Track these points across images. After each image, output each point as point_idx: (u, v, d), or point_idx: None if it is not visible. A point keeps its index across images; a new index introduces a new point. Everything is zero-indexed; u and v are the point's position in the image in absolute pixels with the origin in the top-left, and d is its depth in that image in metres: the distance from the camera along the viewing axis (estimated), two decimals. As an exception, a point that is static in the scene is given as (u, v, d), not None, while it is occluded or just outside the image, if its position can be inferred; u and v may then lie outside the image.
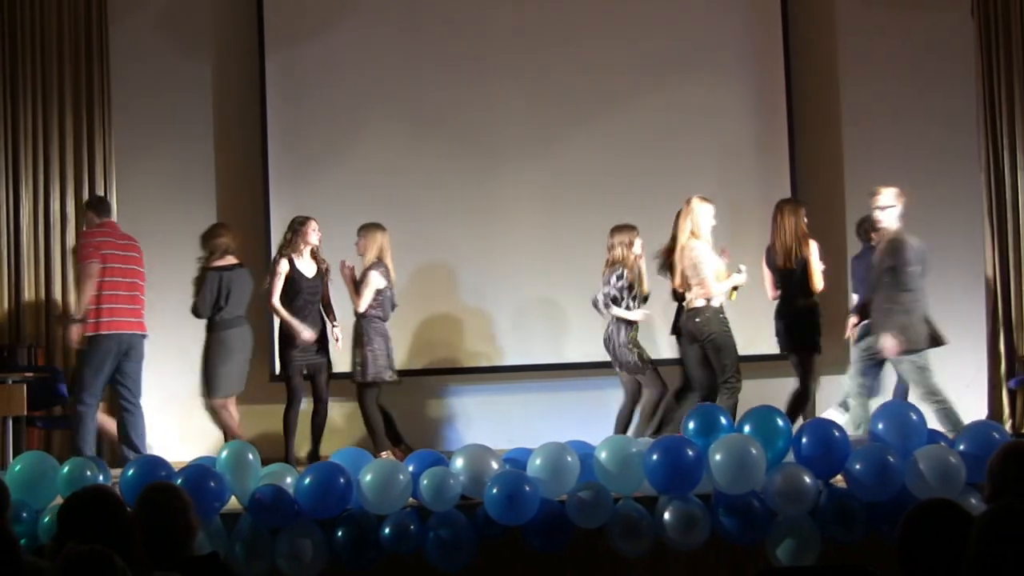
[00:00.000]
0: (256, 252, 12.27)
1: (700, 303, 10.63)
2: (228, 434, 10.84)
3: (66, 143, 12.39)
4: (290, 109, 12.81)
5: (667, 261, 10.94)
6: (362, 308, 11.00)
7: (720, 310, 10.72)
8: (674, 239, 10.82)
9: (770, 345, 11.43)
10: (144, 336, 10.80)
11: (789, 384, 11.06)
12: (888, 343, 9.84)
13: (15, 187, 12.32)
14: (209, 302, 10.89)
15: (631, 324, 10.89)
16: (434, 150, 12.76)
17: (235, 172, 12.76)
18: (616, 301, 10.83)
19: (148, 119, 12.72)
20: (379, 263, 11.12)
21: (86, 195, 12.33)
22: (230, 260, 11.04)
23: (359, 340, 11.01)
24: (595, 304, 11.04)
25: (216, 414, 10.92)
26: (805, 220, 10.94)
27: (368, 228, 11.27)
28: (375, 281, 11.02)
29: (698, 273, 10.57)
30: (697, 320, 10.65)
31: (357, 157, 12.78)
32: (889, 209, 10.18)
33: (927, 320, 9.97)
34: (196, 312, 10.93)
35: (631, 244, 11.00)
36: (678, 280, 10.75)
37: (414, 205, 12.68)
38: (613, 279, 10.87)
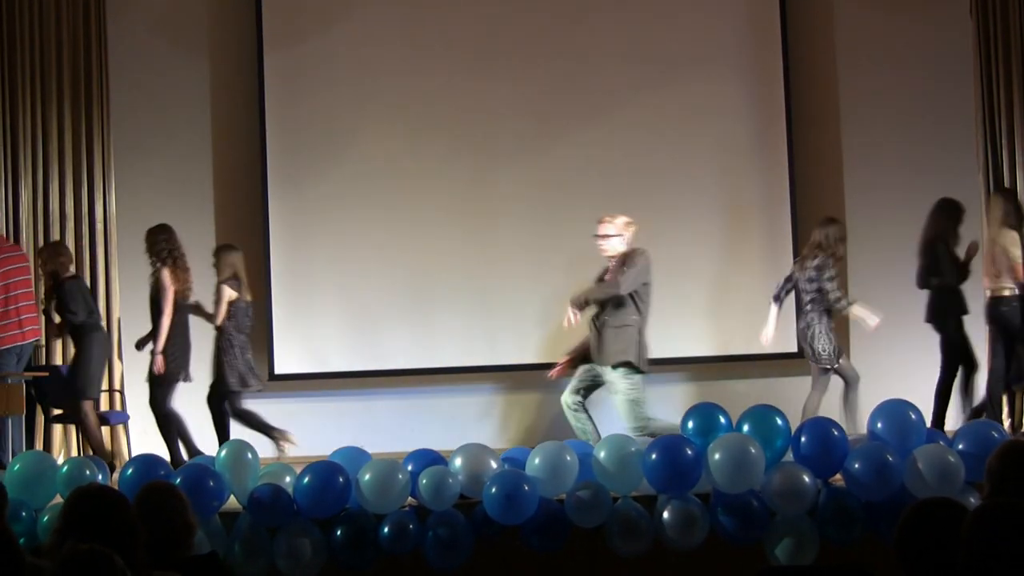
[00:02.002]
0: (255, 251, 12.27)
1: (1008, 291, 10.74)
2: (95, 439, 10.95)
3: (65, 142, 12.38)
4: (288, 108, 12.75)
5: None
6: (218, 321, 11.11)
7: None
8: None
9: (770, 344, 11.42)
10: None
11: (794, 383, 11.08)
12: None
13: (14, 186, 12.31)
14: (84, 307, 11.06)
15: (830, 315, 10.87)
16: (433, 149, 12.72)
17: (233, 171, 12.73)
18: (823, 293, 10.80)
19: (147, 118, 12.68)
20: (233, 279, 11.22)
21: (85, 194, 12.38)
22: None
23: (217, 352, 11.14)
24: (802, 295, 11.06)
25: (88, 418, 10.95)
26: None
27: (222, 250, 11.41)
28: (227, 294, 11.13)
29: (1011, 259, 10.64)
30: (1004, 309, 10.77)
31: (356, 156, 12.73)
32: (613, 239, 10.17)
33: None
34: (76, 319, 11.03)
35: (843, 238, 11.01)
36: (989, 268, 10.87)
37: (413, 204, 12.66)
38: (825, 275, 10.84)
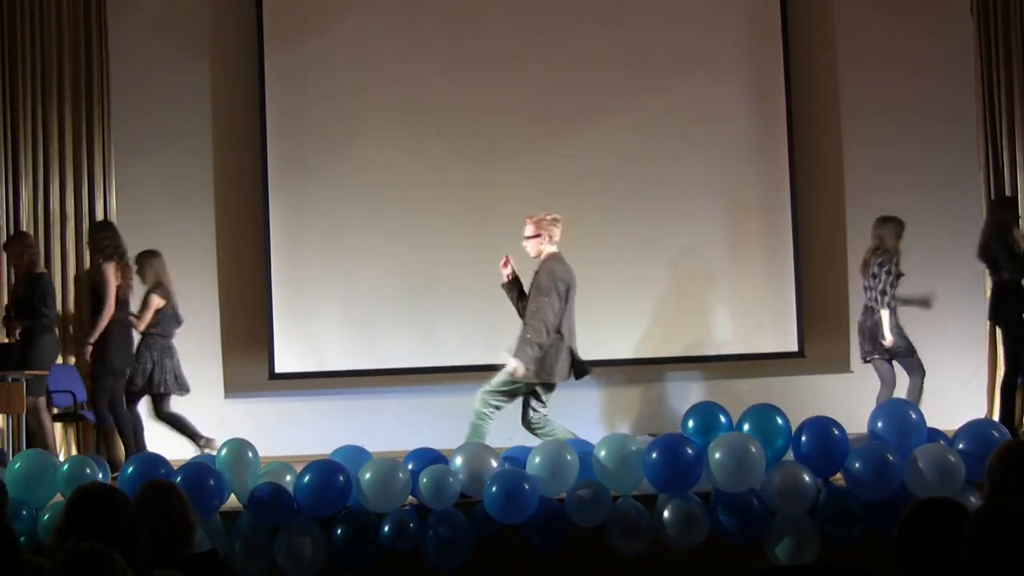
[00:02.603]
0: (255, 250, 12.29)
1: None
2: (45, 435, 10.98)
3: (65, 142, 12.38)
4: (289, 109, 12.77)
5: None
6: (141, 327, 11.21)
7: None
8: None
9: (770, 343, 11.43)
10: None
11: (794, 383, 11.10)
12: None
13: (15, 185, 12.30)
14: (54, 307, 11.22)
15: (896, 311, 11.04)
16: (433, 149, 12.75)
17: (234, 171, 12.72)
18: (885, 293, 10.93)
19: (147, 118, 12.67)
20: (159, 286, 11.29)
21: (85, 194, 12.39)
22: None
23: (138, 356, 11.18)
24: (872, 301, 11.11)
25: (39, 414, 10.99)
26: None
27: (144, 257, 11.41)
28: (155, 302, 11.23)
29: None
30: None
31: (356, 156, 12.75)
32: (532, 239, 9.92)
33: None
34: (47, 318, 11.10)
35: (899, 236, 11.14)
36: None
37: (413, 204, 12.68)
38: (884, 273, 10.98)
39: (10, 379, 10.54)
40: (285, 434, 11.12)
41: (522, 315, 9.84)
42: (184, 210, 12.52)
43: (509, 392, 9.76)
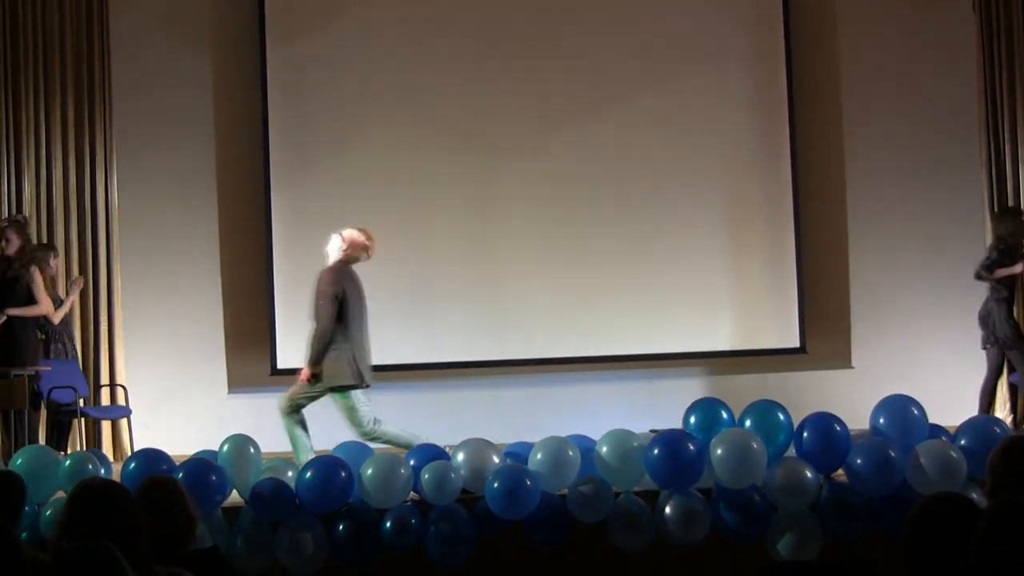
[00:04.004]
0: (257, 246, 12.30)
1: None
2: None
3: (68, 136, 12.41)
4: (291, 104, 12.78)
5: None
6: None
7: None
8: None
9: (772, 340, 11.43)
10: None
11: (796, 379, 11.10)
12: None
13: (17, 182, 12.32)
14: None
15: (1011, 301, 11.15)
16: (435, 145, 12.76)
17: (236, 166, 12.72)
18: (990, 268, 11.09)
19: (149, 114, 12.64)
20: None
21: (88, 189, 12.39)
22: None
23: None
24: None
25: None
26: None
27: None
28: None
29: None
30: None
31: (358, 151, 12.76)
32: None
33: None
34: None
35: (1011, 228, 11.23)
36: None
37: (416, 199, 12.71)
38: (993, 251, 11.18)
39: (12, 375, 10.51)
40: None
41: None
42: (186, 206, 12.52)
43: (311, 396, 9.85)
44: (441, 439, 8.82)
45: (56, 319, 11.31)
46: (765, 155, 12.86)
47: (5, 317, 10.62)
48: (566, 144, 12.75)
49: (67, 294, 11.66)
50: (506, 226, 12.63)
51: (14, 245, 10.87)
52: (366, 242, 9.98)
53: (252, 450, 8.25)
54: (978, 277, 11.06)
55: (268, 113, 12.74)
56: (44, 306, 10.92)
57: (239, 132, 12.85)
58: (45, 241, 12.07)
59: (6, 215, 12.05)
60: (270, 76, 12.77)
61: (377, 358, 12.18)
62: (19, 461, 8.26)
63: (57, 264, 11.69)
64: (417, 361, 12.56)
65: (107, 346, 12.27)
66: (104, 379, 12.20)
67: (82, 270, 12.28)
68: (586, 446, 8.16)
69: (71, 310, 11.80)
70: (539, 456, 8.02)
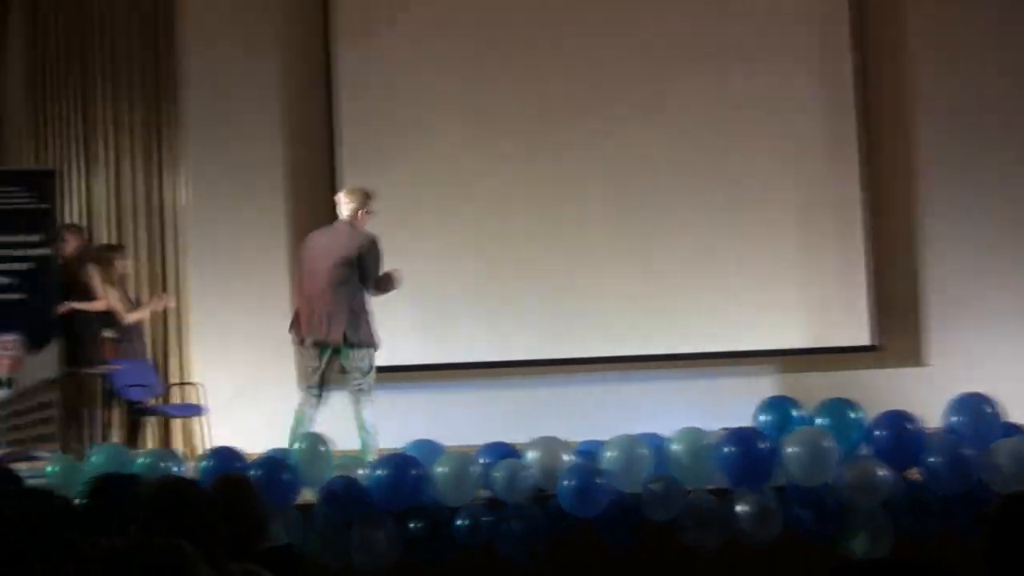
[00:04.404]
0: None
1: None
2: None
3: (136, 137, 12.43)
4: (359, 101, 12.70)
5: None
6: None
7: None
8: None
9: (842, 337, 11.37)
10: None
11: (869, 377, 11.05)
12: None
13: (88, 184, 12.38)
14: None
15: None
16: (505, 138, 12.69)
17: (305, 164, 12.65)
18: None
19: (217, 114, 12.63)
20: None
21: (156, 188, 12.44)
22: None
23: None
24: None
25: None
26: None
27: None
28: None
29: None
30: None
31: (426, 147, 12.68)
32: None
33: None
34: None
35: None
36: None
37: (485, 194, 12.66)
38: None
39: (83, 373, 10.63)
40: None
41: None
42: (255, 205, 12.52)
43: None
44: (511, 437, 8.80)
45: (128, 318, 11.37)
46: (833, 150, 12.73)
47: (67, 308, 10.68)
48: (630, 140, 12.65)
49: (146, 301, 11.78)
50: (574, 225, 12.57)
51: (70, 246, 11.00)
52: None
53: (324, 448, 8.33)
54: None
55: (336, 111, 12.70)
56: (102, 302, 11.01)
57: (308, 130, 12.80)
58: (114, 242, 12.14)
59: (77, 216, 12.19)
60: (338, 74, 12.72)
61: (446, 356, 12.32)
62: (94, 459, 8.37)
63: (126, 264, 11.75)
64: (486, 359, 12.52)
65: (178, 344, 12.30)
66: (176, 377, 12.22)
67: (152, 269, 12.32)
68: (657, 444, 8.15)
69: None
70: (610, 454, 8.03)
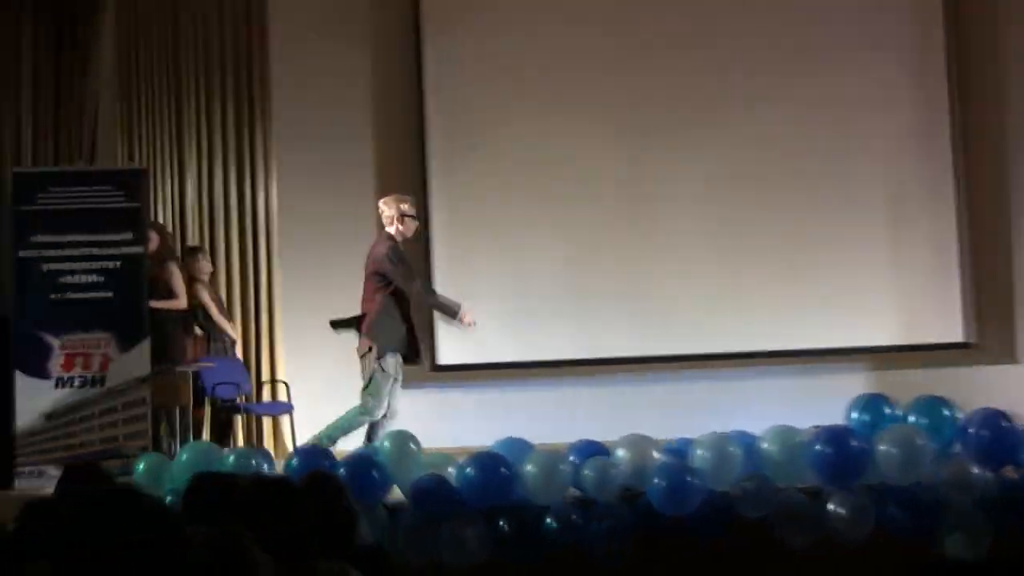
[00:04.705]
0: (415, 242, 12.21)
1: None
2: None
3: (228, 137, 12.50)
4: (448, 97, 12.73)
5: None
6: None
7: None
8: None
9: (935, 334, 11.27)
10: None
11: (956, 374, 10.96)
12: None
13: (180, 184, 12.47)
14: None
15: None
16: (594, 134, 12.62)
17: (394, 162, 12.61)
18: None
19: (308, 110, 12.63)
20: None
21: (248, 188, 12.51)
22: None
23: None
24: None
25: None
26: None
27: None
28: None
29: None
30: None
31: (516, 143, 12.65)
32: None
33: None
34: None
35: None
36: None
37: (575, 191, 12.62)
38: None
39: (173, 371, 10.75)
40: (447, 426, 11.07)
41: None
42: (344, 201, 12.47)
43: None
44: (600, 435, 8.75)
45: (220, 322, 11.51)
46: (925, 145, 12.65)
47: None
48: (723, 137, 12.57)
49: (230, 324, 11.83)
50: (662, 221, 12.52)
51: (154, 243, 11.05)
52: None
53: (413, 446, 8.33)
54: None
55: (425, 107, 12.73)
56: (182, 300, 11.11)
57: (397, 127, 12.82)
58: (204, 242, 12.28)
59: (167, 216, 12.31)
60: (427, 69, 12.75)
61: (537, 353, 12.38)
62: (184, 457, 8.41)
63: (208, 265, 11.80)
64: (577, 356, 12.49)
65: (268, 343, 12.37)
66: (265, 376, 12.29)
67: (243, 268, 12.40)
68: (749, 442, 8.11)
69: (230, 310, 12.04)
70: (701, 452, 7.99)
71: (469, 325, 10.20)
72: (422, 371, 11.38)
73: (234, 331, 11.83)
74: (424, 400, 11.11)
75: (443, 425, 10.95)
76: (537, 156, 12.64)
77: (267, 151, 12.56)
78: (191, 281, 11.41)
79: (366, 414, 9.92)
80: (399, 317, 10.05)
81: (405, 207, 10.22)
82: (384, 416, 9.95)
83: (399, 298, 10.06)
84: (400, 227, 10.17)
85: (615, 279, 12.56)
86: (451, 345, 12.35)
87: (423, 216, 12.12)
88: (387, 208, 10.22)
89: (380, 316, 10.05)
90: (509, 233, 12.41)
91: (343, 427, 9.93)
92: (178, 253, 11.77)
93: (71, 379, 10.14)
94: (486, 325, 11.62)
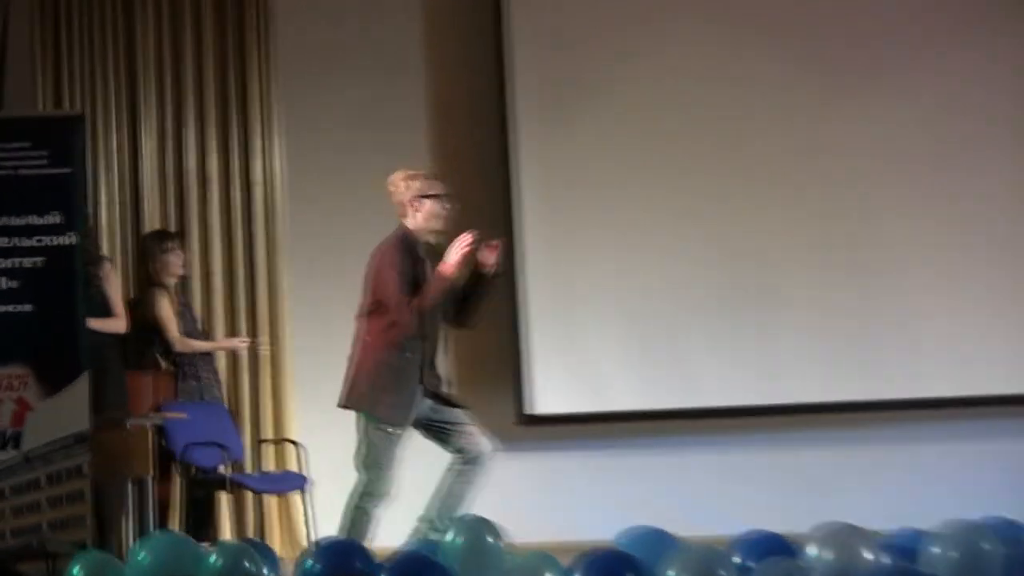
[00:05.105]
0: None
1: None
2: None
3: (206, 71, 12.78)
4: (535, 33, 13.06)
5: None
6: None
7: None
8: None
9: None
10: None
11: None
12: None
13: (133, 137, 12.69)
14: None
15: None
16: (725, 121, 13.06)
17: (460, 134, 12.84)
18: None
19: (321, 41, 13.08)
20: None
21: (238, 152, 12.77)
22: None
23: None
24: None
25: None
26: None
27: None
28: None
29: None
30: None
31: (631, 133, 12.98)
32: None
33: None
34: None
35: None
36: None
37: (719, 180, 13.00)
38: None
39: (127, 423, 10.77)
40: (544, 507, 11.32)
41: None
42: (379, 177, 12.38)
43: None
44: (779, 522, 8.72)
45: (188, 346, 11.65)
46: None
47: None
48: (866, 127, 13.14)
49: (222, 339, 12.19)
50: (789, 235, 12.95)
51: None
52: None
53: (492, 539, 8.21)
54: None
55: (506, 43, 12.99)
56: (118, 319, 11.34)
57: (462, 70, 13.20)
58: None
59: (117, 188, 12.59)
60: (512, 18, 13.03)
61: (677, 397, 12.59)
62: (141, 556, 8.25)
63: (181, 261, 11.99)
64: (738, 403, 12.56)
65: (270, 381, 12.51)
66: (267, 432, 12.37)
67: (229, 269, 12.64)
68: (1015, 535, 7.99)
69: (211, 330, 12.26)
70: (941, 550, 7.78)
71: (491, 267, 10.05)
72: (504, 423, 11.57)
73: (215, 362, 12.00)
74: (509, 467, 11.08)
75: (538, 506, 11.23)
76: (662, 141, 13.05)
77: (266, 96, 12.74)
78: (149, 284, 11.60)
79: (372, 495, 9.93)
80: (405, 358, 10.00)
81: (418, 184, 10.13)
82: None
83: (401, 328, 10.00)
84: (417, 215, 10.10)
85: (786, 296, 12.86)
86: (548, 386, 12.48)
87: (504, 213, 12.59)
88: (395, 190, 10.18)
89: (374, 358, 10.04)
90: (629, 237, 12.77)
91: (351, 525, 9.94)
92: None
93: (-36, 438, 10.09)
94: (600, 359, 12.09)
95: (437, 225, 10.16)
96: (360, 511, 9.86)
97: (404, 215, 10.09)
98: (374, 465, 9.83)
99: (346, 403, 10.01)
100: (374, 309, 9.95)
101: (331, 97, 12.85)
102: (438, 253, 9.95)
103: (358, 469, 9.88)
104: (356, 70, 12.94)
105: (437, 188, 10.17)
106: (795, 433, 12.48)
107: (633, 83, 13.05)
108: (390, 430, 9.85)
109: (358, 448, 9.89)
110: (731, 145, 13.02)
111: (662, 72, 13.08)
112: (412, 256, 9.96)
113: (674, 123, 12.99)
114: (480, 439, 10.03)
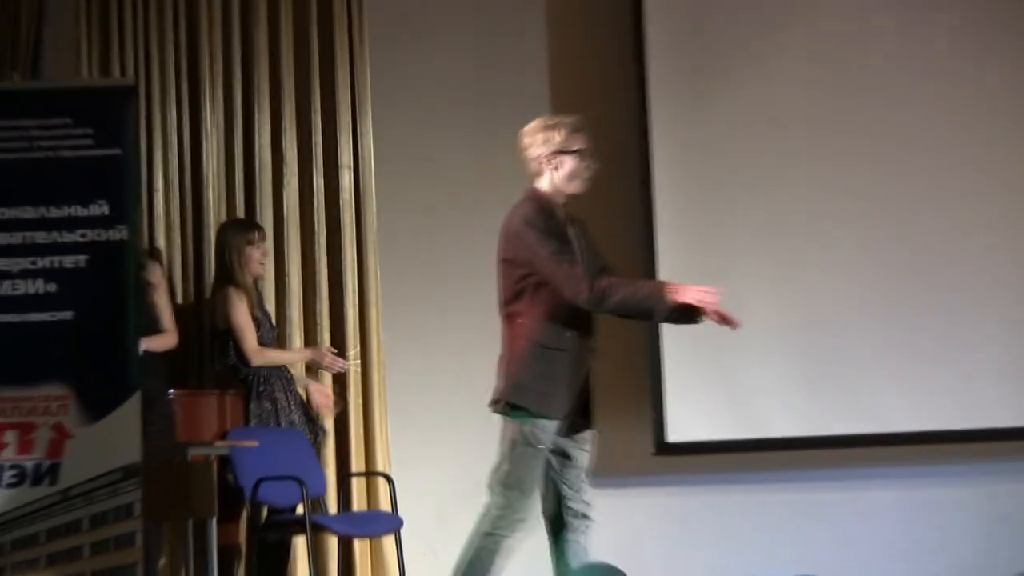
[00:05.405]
0: (630, 244, 11.71)
1: None
2: None
3: (282, 46, 11.99)
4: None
5: None
6: None
7: None
8: None
9: None
10: None
11: None
12: None
13: (194, 118, 11.90)
14: None
15: None
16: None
17: (581, 105, 11.66)
18: None
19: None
20: None
21: (319, 138, 12.04)
22: None
23: None
24: None
25: None
26: None
27: None
28: None
29: None
30: None
31: (780, 108, 12.15)
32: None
33: None
34: None
35: None
36: None
37: (892, 162, 12.00)
38: None
39: (188, 454, 9.90)
40: (687, 550, 10.87)
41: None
42: (489, 177, 11.80)
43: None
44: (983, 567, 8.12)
45: (259, 358, 10.88)
46: None
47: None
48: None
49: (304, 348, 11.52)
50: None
51: None
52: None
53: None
54: None
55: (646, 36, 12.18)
56: (169, 335, 10.98)
57: (580, 23, 12.36)
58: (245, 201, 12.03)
59: (176, 177, 11.90)
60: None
61: (854, 422, 11.78)
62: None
63: (264, 254, 11.26)
64: (925, 427, 11.51)
65: (361, 404, 11.68)
66: (357, 465, 11.61)
67: (308, 273, 11.85)
68: None
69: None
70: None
71: (721, 319, 8.65)
72: (639, 455, 10.96)
73: (295, 381, 11.37)
74: (643, 504, 10.67)
75: (679, 549, 10.63)
76: (825, 126, 12.21)
77: (359, 62, 12.22)
78: (222, 282, 11.10)
79: (507, 520, 8.69)
80: (568, 340, 8.76)
81: (560, 137, 8.84)
82: (567, 519, 8.88)
83: (563, 304, 8.73)
84: (555, 173, 8.84)
85: (984, 298, 11.77)
86: (690, 410, 11.68)
87: (641, 204, 11.82)
88: (529, 143, 8.90)
89: (531, 343, 8.75)
90: (786, 228, 11.94)
91: (474, 557, 8.73)
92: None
93: (-7, 471, 9.55)
94: (755, 378, 11.71)
95: (576, 188, 8.91)
96: (489, 539, 8.66)
97: (540, 173, 8.82)
98: (516, 485, 8.62)
99: (501, 396, 8.67)
100: (523, 290, 8.64)
101: (429, 66, 12.19)
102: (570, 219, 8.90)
103: (492, 489, 8.68)
104: (462, 34, 12.27)
105: (581, 143, 8.88)
106: (991, 460, 11.51)
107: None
108: (541, 441, 8.60)
109: (498, 464, 8.69)
110: (893, 136, 12.05)
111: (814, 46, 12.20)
112: (559, 223, 8.78)
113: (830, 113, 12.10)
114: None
